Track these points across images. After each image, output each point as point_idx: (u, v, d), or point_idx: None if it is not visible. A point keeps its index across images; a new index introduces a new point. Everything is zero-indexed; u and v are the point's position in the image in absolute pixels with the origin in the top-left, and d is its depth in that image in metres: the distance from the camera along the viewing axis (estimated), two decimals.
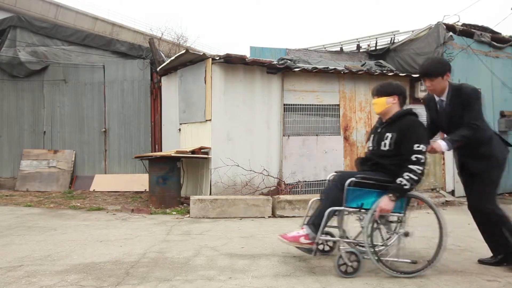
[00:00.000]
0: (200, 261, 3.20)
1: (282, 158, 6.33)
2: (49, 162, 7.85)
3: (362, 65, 7.62)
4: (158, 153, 6.81)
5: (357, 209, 2.94)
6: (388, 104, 3.10)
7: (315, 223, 2.94)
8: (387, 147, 2.99)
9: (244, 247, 3.65)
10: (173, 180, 5.94)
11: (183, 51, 6.04)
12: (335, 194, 2.95)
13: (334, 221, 3.23)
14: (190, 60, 6.37)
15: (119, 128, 8.11)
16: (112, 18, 22.92)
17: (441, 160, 7.59)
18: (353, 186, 2.91)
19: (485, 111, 8.45)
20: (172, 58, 6.51)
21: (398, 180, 2.84)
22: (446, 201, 6.95)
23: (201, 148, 5.91)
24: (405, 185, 2.82)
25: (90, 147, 8.07)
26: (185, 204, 5.98)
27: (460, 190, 7.83)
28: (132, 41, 11.45)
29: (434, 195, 7.24)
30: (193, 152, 5.82)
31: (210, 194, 5.83)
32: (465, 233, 4.47)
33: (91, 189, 7.57)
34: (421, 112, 3.38)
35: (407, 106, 3.29)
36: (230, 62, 5.94)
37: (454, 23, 8.10)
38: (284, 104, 6.37)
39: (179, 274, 2.87)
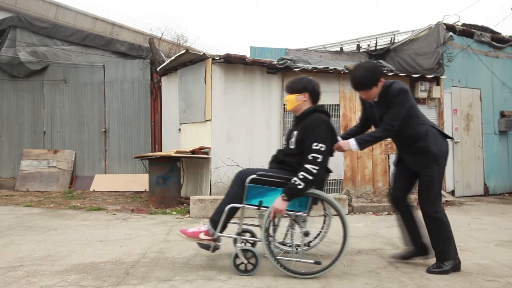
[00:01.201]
0: (200, 261, 3.20)
1: None
2: (49, 162, 7.85)
3: None
4: (158, 153, 6.80)
5: (257, 207, 2.87)
6: (298, 102, 3.02)
7: (215, 219, 2.89)
8: (293, 145, 2.95)
9: None
10: (173, 180, 5.94)
11: (183, 51, 6.04)
12: (235, 191, 2.89)
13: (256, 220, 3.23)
14: (190, 60, 6.37)
15: (119, 128, 8.11)
16: (112, 18, 22.94)
17: None
18: (254, 183, 2.84)
19: (485, 111, 8.46)
20: (172, 58, 6.51)
21: (293, 179, 2.75)
22: (446, 201, 6.95)
23: (201, 148, 5.91)
24: (299, 184, 2.72)
25: (90, 147, 8.08)
26: (185, 204, 5.98)
27: (460, 190, 7.85)
28: (132, 41, 11.46)
29: None
30: (193, 152, 5.82)
31: (210, 194, 5.83)
32: (465, 233, 4.47)
33: (91, 189, 7.57)
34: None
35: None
36: (230, 62, 5.94)
37: (454, 23, 8.11)
38: (284, 104, 6.37)
39: (179, 274, 2.87)
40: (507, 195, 8.29)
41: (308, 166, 2.75)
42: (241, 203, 2.86)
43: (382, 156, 7.11)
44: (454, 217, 5.65)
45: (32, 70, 7.99)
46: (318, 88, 3.09)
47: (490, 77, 8.33)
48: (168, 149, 7.14)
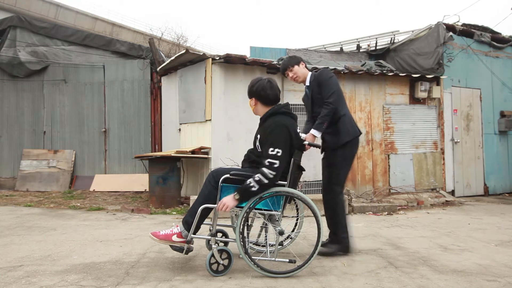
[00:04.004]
0: (200, 261, 3.20)
1: None
2: (49, 162, 7.85)
3: (362, 65, 7.62)
4: (158, 153, 6.80)
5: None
6: (252, 106, 3.07)
7: (188, 220, 2.86)
8: (259, 148, 2.96)
9: None
10: (173, 180, 5.94)
11: (183, 51, 6.03)
12: (209, 191, 2.86)
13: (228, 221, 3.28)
14: (190, 60, 6.37)
15: (119, 128, 8.11)
16: (112, 18, 23.01)
17: (441, 160, 7.60)
18: (228, 183, 2.82)
19: (485, 111, 8.47)
20: (172, 58, 6.51)
21: (248, 180, 2.74)
22: (446, 201, 6.96)
23: (201, 148, 5.91)
24: (253, 186, 2.72)
25: (90, 147, 8.08)
26: (185, 204, 5.98)
27: (460, 190, 7.85)
28: (132, 41, 11.45)
29: (434, 195, 7.25)
30: (193, 152, 5.82)
31: None
32: (465, 233, 4.47)
33: (91, 189, 7.57)
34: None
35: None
36: (230, 62, 5.94)
37: (454, 23, 8.12)
38: None
39: (179, 274, 2.87)
40: (507, 195, 8.30)
41: (265, 170, 2.75)
42: (215, 203, 2.83)
43: (382, 156, 7.11)
44: (454, 217, 5.65)
45: (32, 70, 8.00)
46: (265, 90, 2.97)
47: (490, 77, 8.34)
48: (168, 149, 7.14)
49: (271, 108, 3.01)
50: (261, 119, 3.05)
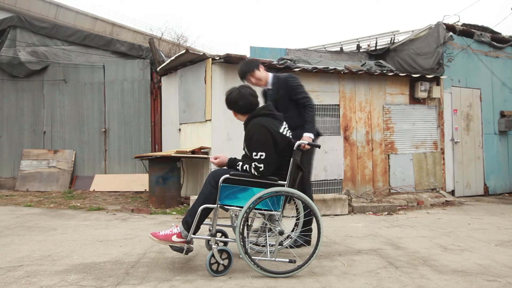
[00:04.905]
0: (200, 261, 3.20)
1: None
2: (49, 162, 7.85)
3: (362, 65, 7.62)
4: (158, 153, 6.80)
5: (231, 207, 2.87)
6: (235, 117, 3.20)
7: (188, 221, 2.87)
8: (248, 153, 3.04)
9: None
10: (173, 180, 5.94)
11: (183, 51, 6.03)
12: (209, 191, 2.88)
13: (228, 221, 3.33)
14: (190, 60, 6.37)
15: (119, 128, 8.11)
16: (112, 18, 23.00)
17: (441, 160, 7.60)
18: (228, 183, 2.85)
19: (485, 111, 8.49)
20: (172, 58, 6.51)
21: (242, 163, 2.96)
22: (446, 201, 6.96)
23: (201, 148, 5.91)
24: (237, 169, 2.96)
25: (90, 147, 8.07)
26: (185, 204, 5.98)
27: (460, 190, 7.85)
28: (132, 41, 11.45)
29: (434, 195, 7.25)
30: (193, 152, 5.82)
31: None
32: (465, 233, 4.47)
33: (91, 189, 7.57)
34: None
35: None
36: (230, 62, 5.94)
37: (454, 23, 8.12)
38: None
39: (179, 274, 2.87)
40: (507, 195, 8.30)
41: (253, 169, 2.89)
42: (214, 204, 2.85)
43: (382, 156, 7.11)
44: (454, 217, 5.65)
45: (32, 70, 7.99)
46: (236, 102, 3.06)
47: (490, 77, 8.34)
48: (168, 149, 7.14)
49: (248, 116, 3.08)
50: (244, 124, 3.12)
